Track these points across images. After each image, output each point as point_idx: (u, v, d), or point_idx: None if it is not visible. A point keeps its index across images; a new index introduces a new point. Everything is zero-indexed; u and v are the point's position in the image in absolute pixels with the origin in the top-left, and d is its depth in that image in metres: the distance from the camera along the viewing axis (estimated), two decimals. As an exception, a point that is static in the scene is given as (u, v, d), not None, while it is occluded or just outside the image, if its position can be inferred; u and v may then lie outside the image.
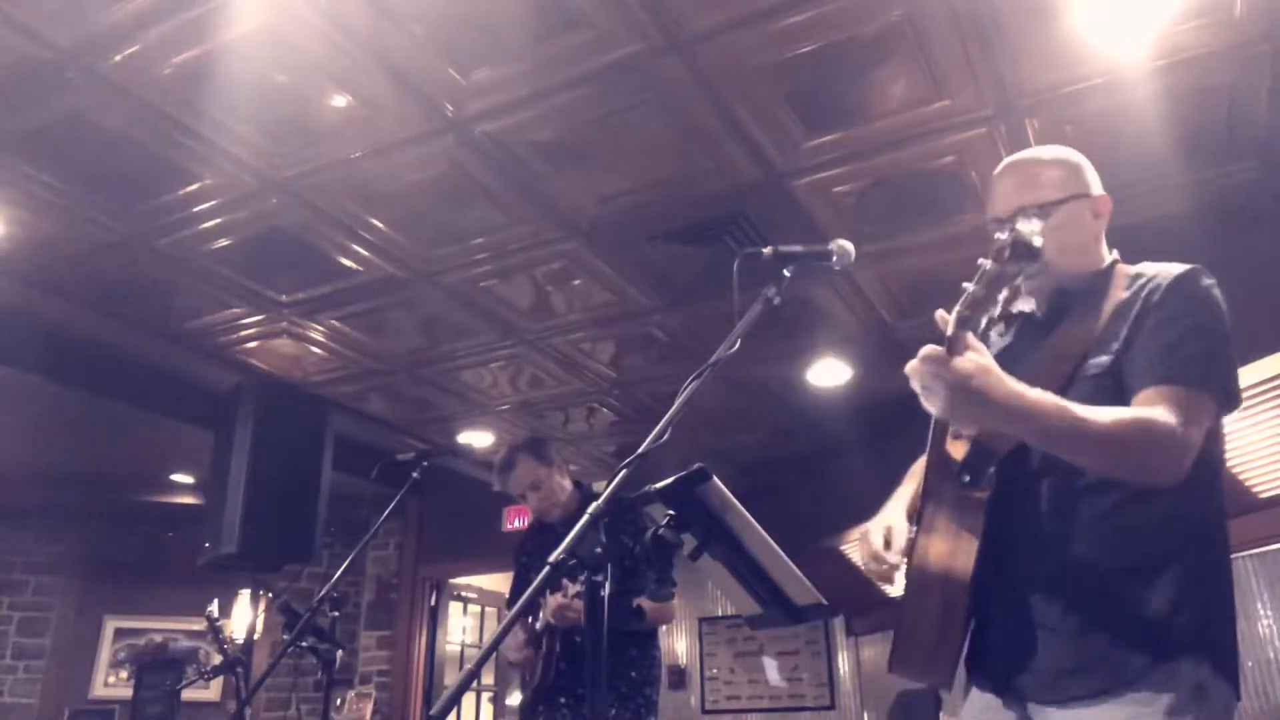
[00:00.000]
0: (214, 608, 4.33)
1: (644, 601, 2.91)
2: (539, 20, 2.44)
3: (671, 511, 1.33)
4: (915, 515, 1.54)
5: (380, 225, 3.37)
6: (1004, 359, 1.48)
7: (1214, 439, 1.42)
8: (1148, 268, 1.51)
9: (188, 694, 5.17)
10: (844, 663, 6.03)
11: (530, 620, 3.02)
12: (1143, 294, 1.45)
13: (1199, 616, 1.33)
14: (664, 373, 4.67)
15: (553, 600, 2.82)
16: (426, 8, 2.40)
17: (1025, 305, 1.59)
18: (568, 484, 3.13)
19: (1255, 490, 3.83)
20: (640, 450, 1.35)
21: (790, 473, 6.03)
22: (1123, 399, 1.38)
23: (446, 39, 2.50)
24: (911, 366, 1.27)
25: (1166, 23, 2.47)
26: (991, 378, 1.23)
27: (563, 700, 2.93)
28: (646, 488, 1.34)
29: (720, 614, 6.32)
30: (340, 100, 2.72)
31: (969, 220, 3.33)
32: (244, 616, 5.94)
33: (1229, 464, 3.81)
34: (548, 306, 4.02)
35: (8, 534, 6.41)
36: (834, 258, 1.67)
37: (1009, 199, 1.57)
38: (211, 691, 6.24)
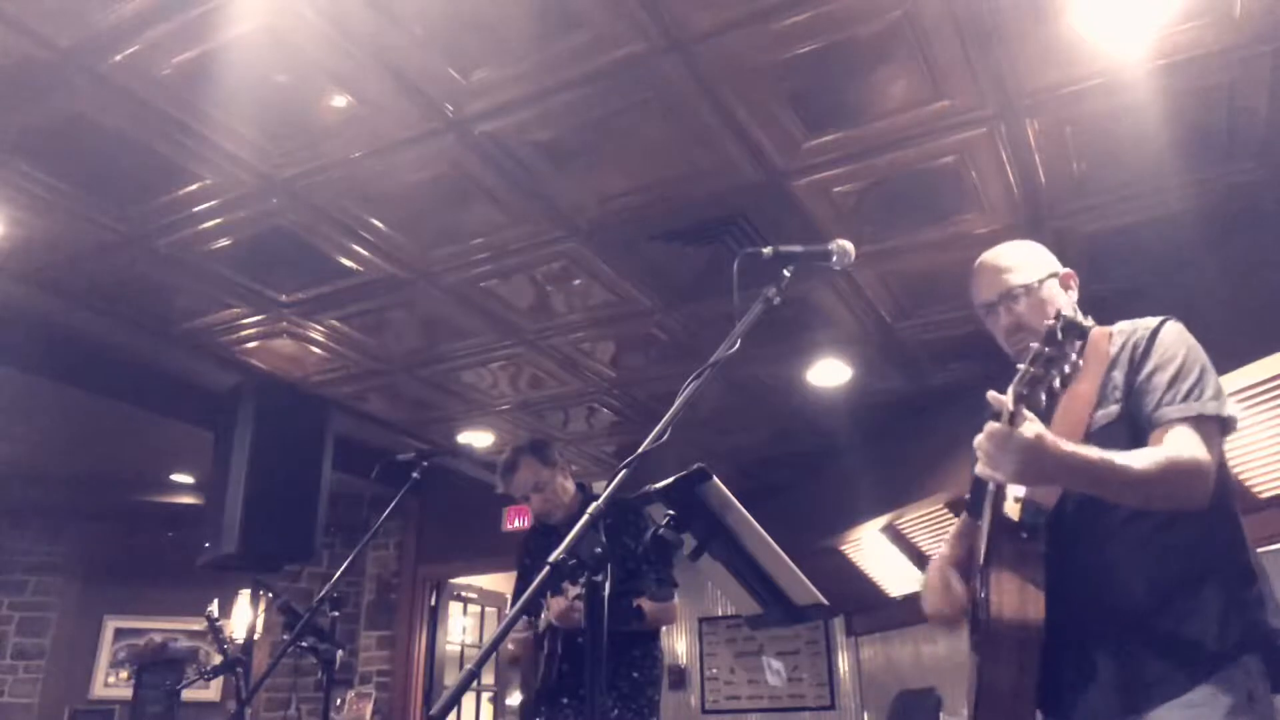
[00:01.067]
0: (214, 608, 4.33)
1: (644, 602, 2.91)
2: (539, 20, 2.44)
3: (671, 511, 1.33)
4: (962, 568, 1.79)
5: (380, 225, 3.37)
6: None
7: (1221, 460, 1.60)
8: (1124, 325, 1.74)
9: (188, 694, 5.18)
10: (844, 663, 6.03)
11: (532, 620, 3.03)
12: (1129, 346, 1.67)
13: (1245, 620, 1.49)
14: (664, 373, 4.67)
15: (555, 603, 2.82)
16: (427, 8, 2.40)
17: None
18: (570, 485, 3.14)
19: (1255, 490, 3.83)
20: (640, 450, 1.35)
21: (790, 473, 6.03)
22: (1139, 441, 1.57)
23: (446, 39, 2.50)
24: (979, 442, 1.44)
25: (1166, 23, 2.47)
26: (1050, 442, 1.41)
27: (565, 701, 2.93)
28: (646, 488, 1.34)
29: (720, 614, 6.32)
30: (340, 100, 2.72)
31: (969, 220, 3.33)
32: (244, 616, 5.94)
33: (1228, 463, 3.82)
34: (548, 306, 4.03)
35: (8, 534, 6.42)
36: (834, 258, 1.67)
37: (994, 284, 1.80)
38: (211, 691, 6.24)
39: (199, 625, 5.58)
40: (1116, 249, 3.50)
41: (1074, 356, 1.39)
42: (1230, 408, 1.59)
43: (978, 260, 1.87)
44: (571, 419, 5.45)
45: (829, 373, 4.63)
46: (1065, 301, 1.78)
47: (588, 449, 5.93)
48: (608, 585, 1.22)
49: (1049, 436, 1.42)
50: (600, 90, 2.69)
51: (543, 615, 2.97)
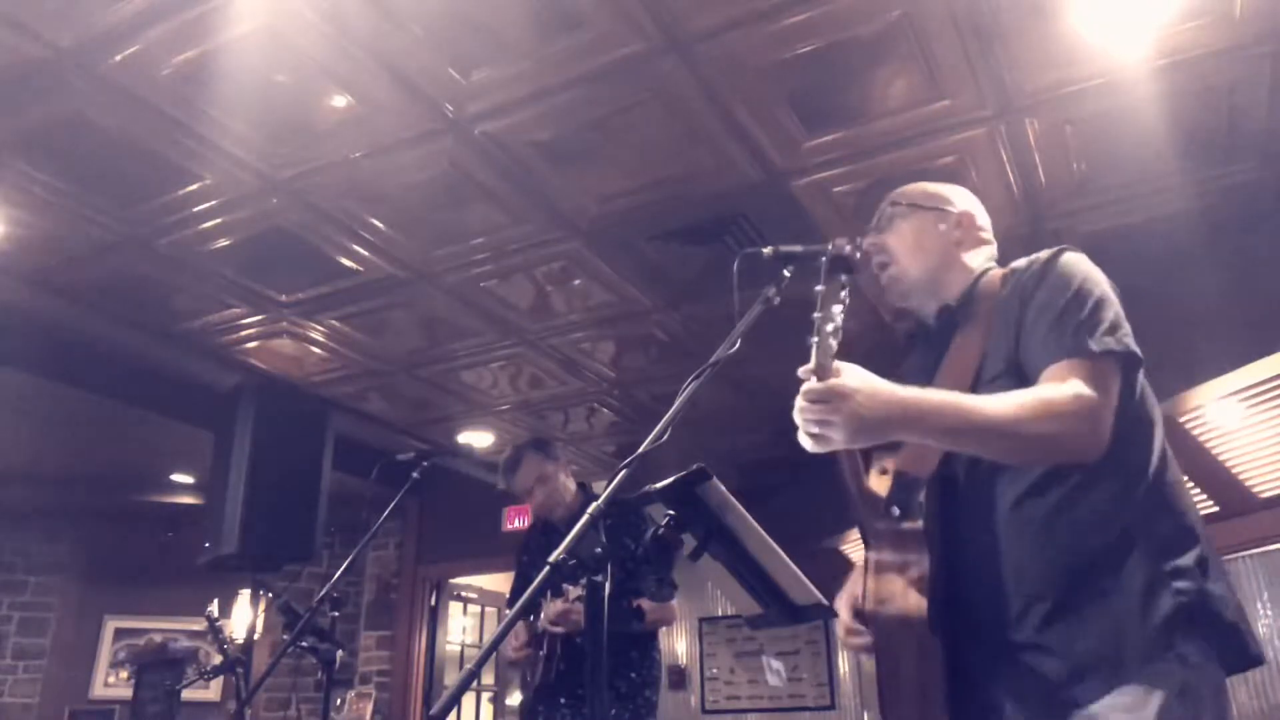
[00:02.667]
0: (214, 608, 4.33)
1: (644, 603, 2.91)
2: (539, 20, 2.44)
3: (671, 511, 1.32)
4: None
5: (380, 225, 3.37)
6: (908, 379, 1.50)
7: (1136, 400, 1.39)
8: (1019, 263, 1.53)
9: (188, 694, 5.16)
10: (844, 663, 6.02)
11: (532, 620, 3.03)
12: (1019, 285, 1.47)
13: (1176, 593, 1.26)
14: (664, 373, 4.67)
15: (553, 606, 2.82)
16: (426, 8, 2.40)
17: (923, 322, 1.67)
18: (572, 484, 3.17)
19: (1255, 490, 3.83)
20: (640, 450, 1.34)
21: (790, 473, 6.03)
22: None
23: (446, 39, 2.50)
24: (798, 409, 1.26)
25: (1166, 23, 2.47)
26: (877, 386, 1.25)
27: (563, 700, 2.93)
28: (646, 488, 1.33)
29: (720, 614, 6.31)
30: (340, 100, 2.72)
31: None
32: (244, 616, 5.94)
33: (1228, 464, 3.82)
34: (548, 306, 4.02)
35: (8, 534, 6.41)
36: (833, 257, 1.66)
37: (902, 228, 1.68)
38: (211, 691, 6.23)
39: (199, 625, 5.58)
40: (1116, 249, 3.50)
41: (843, 292, 1.33)
42: (1133, 342, 1.37)
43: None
44: (571, 419, 5.45)
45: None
46: (950, 244, 1.62)
47: (588, 449, 5.92)
48: (607, 585, 1.22)
49: (876, 381, 1.26)
50: (600, 90, 2.69)
51: (541, 615, 2.97)
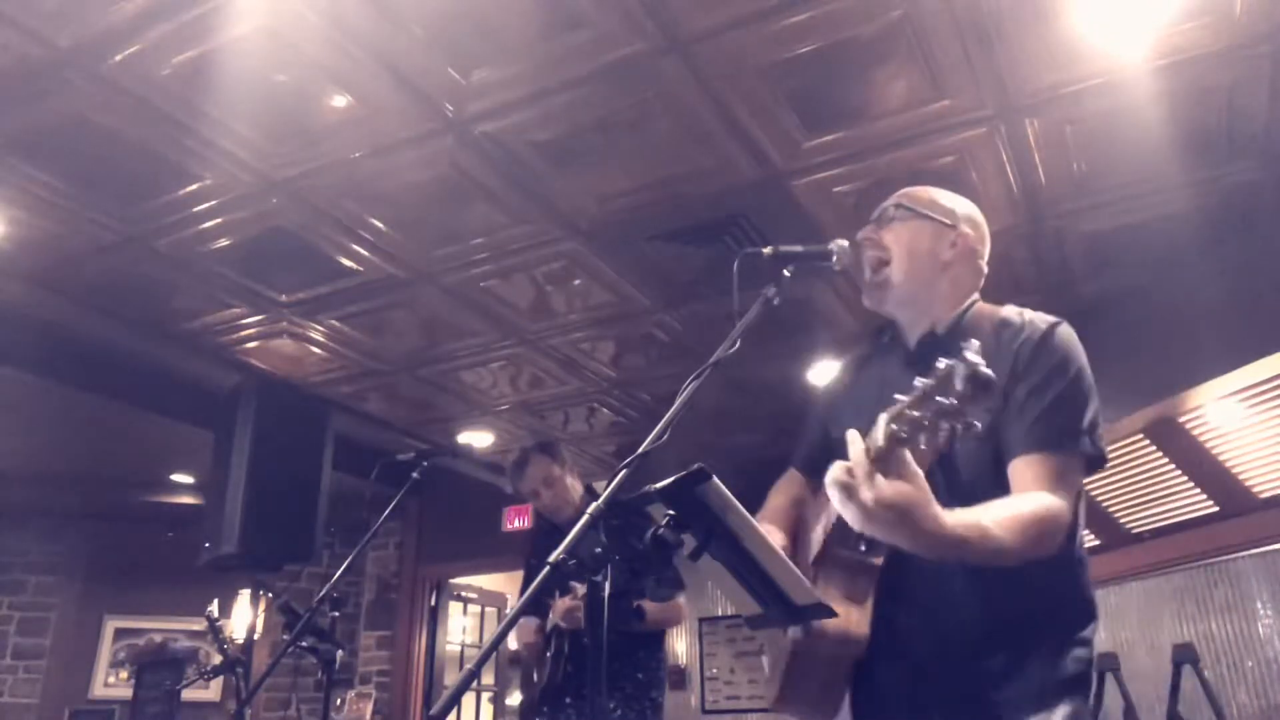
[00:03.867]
0: (214, 608, 4.33)
1: (645, 603, 2.91)
2: (539, 20, 2.44)
3: (671, 511, 1.32)
4: (780, 519, 1.65)
5: (380, 225, 3.37)
6: (867, 386, 1.59)
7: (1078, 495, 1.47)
8: (1012, 315, 1.51)
9: (188, 694, 5.18)
10: (844, 663, 6.02)
11: (541, 621, 3.03)
12: (1013, 349, 1.45)
13: (1077, 661, 1.41)
14: (664, 373, 4.67)
15: (561, 603, 2.83)
16: (427, 8, 2.40)
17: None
18: (578, 486, 3.18)
19: (1255, 490, 3.83)
20: (640, 450, 1.34)
21: (790, 473, 6.02)
22: (999, 459, 1.41)
23: (446, 39, 2.50)
24: (832, 478, 1.17)
25: (1166, 23, 2.47)
26: (916, 512, 1.16)
27: (568, 700, 2.93)
28: (646, 488, 1.33)
29: (720, 614, 6.31)
30: (340, 100, 2.72)
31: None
32: (244, 616, 5.93)
33: (1228, 464, 3.82)
34: (548, 306, 4.02)
35: (8, 534, 6.41)
36: (834, 258, 1.66)
37: (881, 210, 1.66)
38: (211, 691, 6.23)
39: (199, 625, 5.58)
40: (1116, 249, 3.50)
41: (975, 422, 1.07)
42: (1103, 443, 1.42)
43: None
44: (571, 419, 5.45)
45: (829, 373, 4.62)
46: (940, 259, 1.57)
47: (588, 449, 5.92)
48: (608, 585, 1.22)
49: (920, 501, 1.16)
50: (600, 90, 2.69)
51: (549, 615, 2.98)
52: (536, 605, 3.11)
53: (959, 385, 1.05)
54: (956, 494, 1.33)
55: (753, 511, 1.40)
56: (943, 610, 1.44)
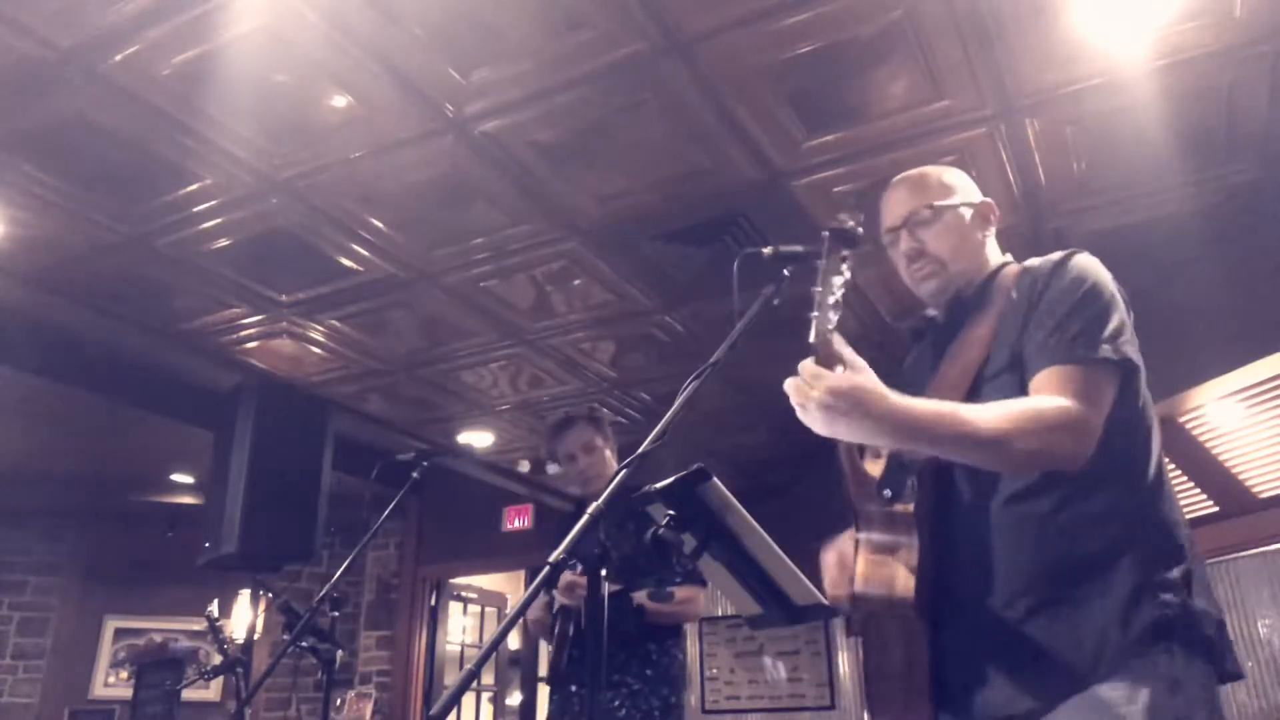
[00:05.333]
0: (214, 608, 4.33)
1: (644, 600, 2.88)
2: (539, 20, 2.44)
3: (671, 511, 1.32)
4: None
5: (380, 225, 3.37)
6: (913, 371, 1.57)
7: (1133, 409, 1.40)
8: (1033, 262, 1.54)
9: (188, 694, 5.18)
10: (844, 663, 6.02)
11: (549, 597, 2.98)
12: (1030, 287, 1.48)
13: (1158, 605, 1.28)
14: (664, 373, 4.67)
15: (564, 578, 2.75)
16: (426, 8, 2.40)
17: (934, 314, 1.68)
18: (614, 463, 3.07)
19: (1255, 490, 3.83)
20: (640, 450, 1.35)
21: (790, 473, 6.02)
22: (1026, 390, 1.38)
23: (446, 39, 2.50)
24: (789, 383, 1.27)
25: (1166, 23, 2.47)
26: (865, 394, 1.24)
27: (573, 689, 2.89)
28: (646, 488, 1.33)
29: (720, 614, 6.31)
30: (340, 100, 2.72)
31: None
32: (244, 616, 5.94)
33: (1228, 464, 3.82)
34: (548, 306, 4.02)
35: (8, 534, 6.41)
36: (834, 257, 1.66)
37: (900, 207, 1.66)
38: (211, 691, 6.24)
39: (199, 625, 5.59)
40: (1116, 249, 3.48)
41: (844, 266, 1.32)
42: (1133, 350, 1.38)
43: (892, 181, 1.74)
44: (571, 419, 5.44)
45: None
46: (978, 236, 1.62)
47: (588, 449, 5.91)
48: (607, 586, 1.22)
49: (867, 387, 1.24)
50: (600, 90, 2.69)
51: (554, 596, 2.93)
52: (528, 604, 3.07)
53: (825, 244, 1.31)
54: None
55: (753, 511, 1.40)
56: (989, 561, 1.36)
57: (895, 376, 1.63)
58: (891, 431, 1.26)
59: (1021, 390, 1.38)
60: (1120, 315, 1.41)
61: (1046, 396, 1.32)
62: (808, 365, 1.27)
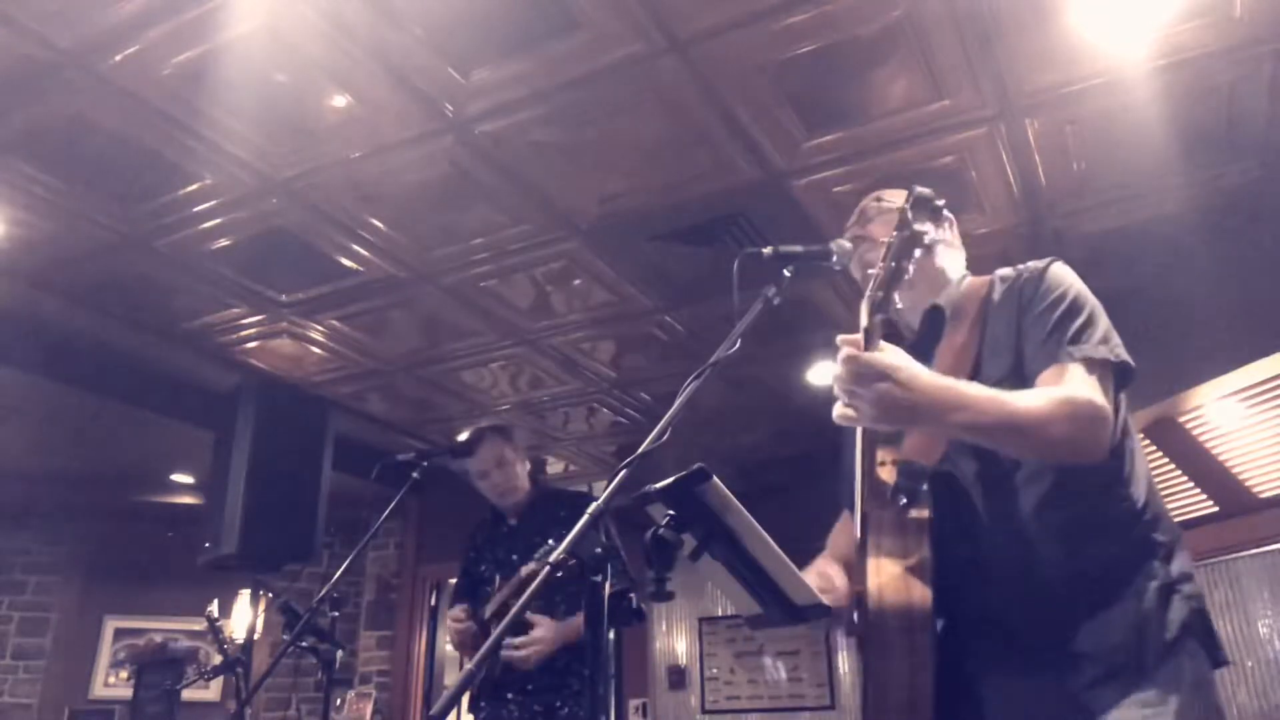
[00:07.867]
0: (214, 608, 4.33)
1: (536, 619, 2.80)
2: (539, 20, 2.44)
3: (671, 511, 1.32)
4: (845, 563, 1.56)
5: (380, 225, 3.37)
6: None
7: (1125, 412, 1.44)
8: (1006, 271, 1.57)
9: (188, 694, 5.17)
10: (844, 663, 6.02)
11: (476, 609, 3.00)
12: (1015, 291, 1.50)
13: (1189, 599, 1.33)
14: (664, 373, 4.67)
15: (452, 618, 2.82)
16: (426, 8, 2.40)
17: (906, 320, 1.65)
18: (525, 473, 3.16)
19: (1255, 490, 3.83)
20: (640, 450, 1.34)
21: (790, 473, 6.03)
22: None
23: (446, 39, 2.50)
24: (836, 374, 1.24)
25: (1166, 23, 2.47)
26: (916, 371, 1.22)
27: (509, 695, 2.88)
28: (646, 488, 1.33)
29: (720, 614, 6.31)
30: (340, 100, 2.72)
31: (969, 220, 3.33)
32: (244, 616, 5.93)
33: (1228, 464, 3.82)
34: (548, 306, 4.02)
35: (8, 534, 6.41)
36: (834, 258, 1.66)
37: (856, 216, 1.68)
38: (211, 691, 6.23)
39: (199, 625, 5.57)
40: (1116, 249, 3.50)
41: (928, 237, 1.20)
42: (1125, 353, 1.40)
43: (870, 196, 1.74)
44: (571, 419, 5.45)
45: (829, 373, 4.62)
46: (934, 249, 1.59)
47: (588, 449, 5.92)
48: (607, 585, 1.22)
49: (915, 364, 1.23)
50: (600, 90, 2.69)
51: (488, 604, 2.94)
52: (474, 594, 3.09)
53: (908, 213, 1.19)
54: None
55: (753, 511, 1.40)
56: (1013, 561, 1.36)
57: None
58: (938, 407, 1.23)
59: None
60: (1106, 321, 1.45)
61: (1070, 385, 1.32)
62: (852, 352, 1.22)
